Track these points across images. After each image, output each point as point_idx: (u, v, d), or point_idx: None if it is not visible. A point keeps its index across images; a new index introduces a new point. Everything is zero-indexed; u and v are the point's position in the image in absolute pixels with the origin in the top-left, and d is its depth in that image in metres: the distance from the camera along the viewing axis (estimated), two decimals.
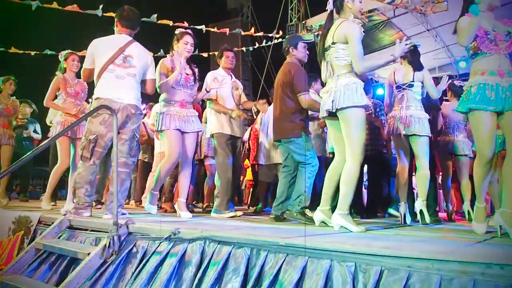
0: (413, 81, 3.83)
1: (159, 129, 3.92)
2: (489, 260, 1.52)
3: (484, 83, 2.69)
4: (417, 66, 3.87)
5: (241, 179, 7.76)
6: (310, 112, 3.85)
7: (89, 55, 3.54)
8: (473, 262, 1.54)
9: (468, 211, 4.49)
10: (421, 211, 3.68)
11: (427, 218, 3.66)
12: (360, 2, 2.98)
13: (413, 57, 3.89)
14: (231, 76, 4.58)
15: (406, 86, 3.84)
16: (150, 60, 3.72)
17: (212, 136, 4.42)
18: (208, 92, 4.25)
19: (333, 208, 2.95)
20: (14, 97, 5.56)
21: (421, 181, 3.76)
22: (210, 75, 4.40)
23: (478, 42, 2.76)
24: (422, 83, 3.85)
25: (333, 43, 2.94)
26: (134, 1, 3.72)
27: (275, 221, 3.69)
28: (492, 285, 1.48)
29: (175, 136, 3.88)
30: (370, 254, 1.77)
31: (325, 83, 3.10)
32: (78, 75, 4.60)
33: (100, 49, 3.50)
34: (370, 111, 4.47)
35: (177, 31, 4.07)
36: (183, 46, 3.97)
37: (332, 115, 2.95)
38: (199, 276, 2.17)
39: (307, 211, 3.62)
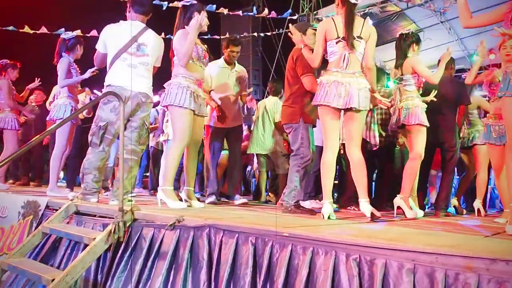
0: (402, 75, 3.75)
1: (177, 104, 3.46)
2: (494, 255, 1.50)
3: None
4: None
5: (249, 169, 7.77)
6: None
7: (102, 41, 3.53)
8: (478, 257, 1.52)
9: (479, 209, 4.43)
10: (399, 207, 3.57)
11: (408, 214, 3.52)
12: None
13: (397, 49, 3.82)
14: (234, 64, 4.54)
15: (398, 81, 3.79)
16: (163, 48, 3.68)
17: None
18: None
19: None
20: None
21: (409, 175, 3.61)
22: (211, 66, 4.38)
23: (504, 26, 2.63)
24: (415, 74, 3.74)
25: (360, 37, 3.03)
26: None
27: (287, 213, 3.67)
28: (497, 281, 1.46)
29: (191, 117, 3.56)
30: (374, 246, 1.76)
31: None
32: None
33: (112, 36, 3.48)
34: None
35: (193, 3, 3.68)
36: (203, 18, 3.54)
37: (338, 108, 3.02)
38: (213, 273, 2.19)
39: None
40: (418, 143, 3.59)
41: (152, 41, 3.55)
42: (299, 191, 3.52)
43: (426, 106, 3.66)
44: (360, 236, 1.88)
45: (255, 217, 2.91)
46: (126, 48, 3.42)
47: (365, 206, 3.00)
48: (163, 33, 6.41)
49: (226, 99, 4.45)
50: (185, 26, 3.59)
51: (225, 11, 8.01)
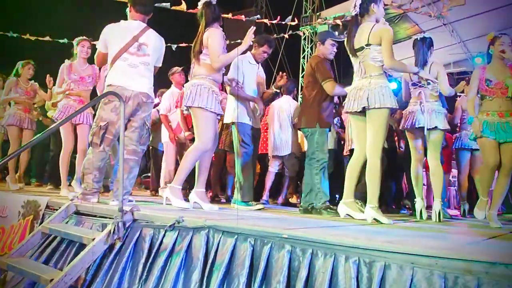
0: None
1: (205, 106, 3.45)
2: (494, 258, 1.49)
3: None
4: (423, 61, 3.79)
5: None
6: None
7: (102, 40, 3.52)
8: (477, 260, 1.51)
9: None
10: (439, 212, 3.59)
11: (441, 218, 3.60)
12: (384, 6, 3.27)
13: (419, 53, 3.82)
14: (258, 65, 4.39)
15: (423, 84, 3.76)
16: (163, 48, 3.67)
17: (233, 123, 4.18)
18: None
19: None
20: (33, 81, 5.56)
21: (438, 179, 3.69)
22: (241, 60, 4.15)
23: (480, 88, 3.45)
24: (437, 79, 3.77)
25: (368, 44, 3.11)
26: None
27: (303, 214, 3.70)
28: (497, 285, 1.45)
29: (216, 120, 3.59)
30: (373, 249, 1.75)
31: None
32: (90, 61, 4.65)
33: (113, 36, 3.47)
34: None
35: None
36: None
37: (359, 112, 3.14)
38: (207, 273, 2.17)
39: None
40: (438, 147, 3.71)
41: (153, 41, 3.53)
42: (324, 192, 3.67)
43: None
44: (360, 239, 1.87)
45: (256, 218, 2.89)
46: (127, 48, 3.41)
47: (367, 211, 3.07)
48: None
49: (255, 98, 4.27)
50: (215, 23, 3.61)
51: (230, 15, 8.00)
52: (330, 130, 3.84)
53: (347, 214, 3.19)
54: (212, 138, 3.55)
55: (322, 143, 3.70)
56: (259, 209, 4.01)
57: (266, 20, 9.08)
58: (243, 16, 8.35)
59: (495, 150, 3.34)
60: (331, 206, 3.69)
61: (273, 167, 5.32)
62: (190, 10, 6.56)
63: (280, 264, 1.96)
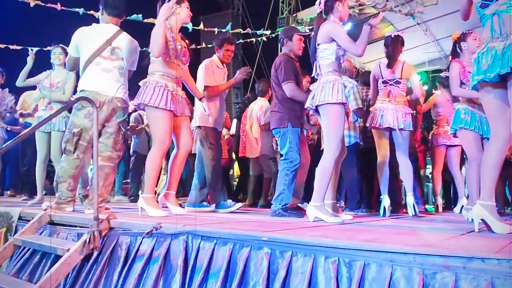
0: (400, 78, 3.80)
1: (153, 104, 3.16)
2: (471, 253, 1.50)
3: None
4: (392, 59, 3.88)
5: (231, 173, 7.74)
6: None
7: (74, 44, 3.42)
8: (454, 255, 1.52)
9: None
10: (413, 205, 3.72)
11: (416, 211, 3.72)
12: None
13: (394, 49, 3.88)
14: (225, 68, 4.29)
15: (393, 82, 3.80)
16: (138, 51, 3.59)
17: (199, 127, 4.08)
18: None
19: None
20: (7, 88, 5.40)
21: (408, 175, 3.79)
22: (207, 66, 4.07)
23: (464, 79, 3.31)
24: (408, 80, 3.87)
25: (318, 44, 3.07)
26: None
27: (274, 216, 3.62)
28: (474, 279, 1.46)
29: (170, 118, 3.26)
30: (352, 248, 1.74)
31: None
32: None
33: (85, 39, 3.38)
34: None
35: None
36: (186, 11, 3.41)
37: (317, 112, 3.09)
38: (187, 279, 2.13)
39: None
40: (406, 145, 3.80)
41: (127, 44, 3.46)
42: (287, 194, 3.54)
43: None
44: (339, 238, 1.86)
45: (235, 222, 2.86)
46: (100, 52, 3.33)
47: (309, 210, 2.95)
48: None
49: (222, 102, 4.19)
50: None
51: (202, 27, 7.98)
52: (304, 130, 3.77)
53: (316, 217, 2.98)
54: (166, 137, 3.24)
55: (295, 143, 3.58)
56: (239, 208, 3.97)
57: (239, 30, 9.14)
58: (215, 29, 8.39)
59: (480, 144, 3.24)
60: (293, 208, 3.57)
61: (252, 170, 5.33)
62: None
63: (259, 267, 1.94)
